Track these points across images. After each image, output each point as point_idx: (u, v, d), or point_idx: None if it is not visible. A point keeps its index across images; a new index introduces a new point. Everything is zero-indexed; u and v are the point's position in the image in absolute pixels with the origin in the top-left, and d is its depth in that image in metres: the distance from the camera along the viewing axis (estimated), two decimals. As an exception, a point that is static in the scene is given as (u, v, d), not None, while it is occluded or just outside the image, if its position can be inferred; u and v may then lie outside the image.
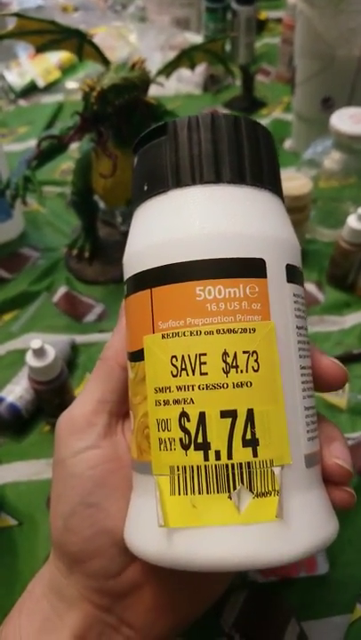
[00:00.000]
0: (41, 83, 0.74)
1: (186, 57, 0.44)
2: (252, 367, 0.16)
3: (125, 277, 0.19)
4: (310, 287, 0.48)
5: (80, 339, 0.44)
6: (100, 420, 0.21)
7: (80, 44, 0.41)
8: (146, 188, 0.19)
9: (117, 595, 0.20)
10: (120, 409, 0.22)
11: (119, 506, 0.20)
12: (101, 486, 0.20)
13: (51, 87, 0.74)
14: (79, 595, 0.20)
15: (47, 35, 0.41)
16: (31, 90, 0.74)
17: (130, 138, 0.41)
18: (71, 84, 0.74)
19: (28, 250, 0.52)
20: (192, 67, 0.46)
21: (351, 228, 0.43)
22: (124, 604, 0.20)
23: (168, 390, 0.16)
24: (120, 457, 0.21)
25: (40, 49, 0.42)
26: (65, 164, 0.61)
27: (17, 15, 0.40)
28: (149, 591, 0.21)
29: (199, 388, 0.16)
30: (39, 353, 0.34)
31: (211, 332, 0.16)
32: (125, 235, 0.52)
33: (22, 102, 0.73)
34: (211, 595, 0.22)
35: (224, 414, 0.16)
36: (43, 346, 0.34)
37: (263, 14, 0.86)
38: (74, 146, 0.58)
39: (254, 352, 0.16)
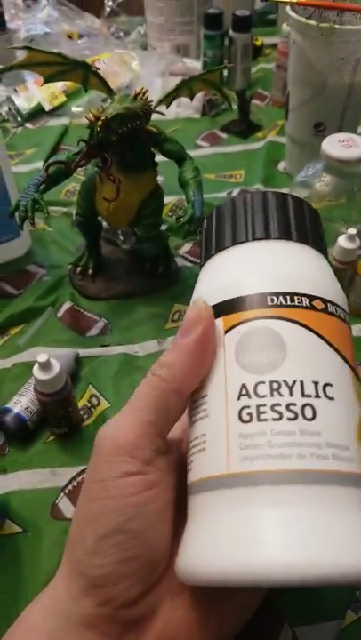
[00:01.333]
0: (47, 106, 0.77)
1: (185, 87, 0.47)
2: None
3: (294, 291, 0.20)
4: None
5: (83, 352, 0.46)
6: (149, 444, 0.19)
7: (86, 74, 0.44)
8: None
9: (130, 623, 0.19)
10: (169, 434, 0.21)
11: (155, 533, 0.19)
12: (142, 514, 0.19)
13: (56, 110, 0.77)
14: (87, 622, 0.19)
15: (55, 66, 0.44)
16: (38, 113, 0.77)
17: (132, 163, 0.44)
18: (76, 107, 0.77)
19: (34, 267, 0.54)
20: (191, 96, 0.48)
21: (341, 247, 0.46)
22: (135, 632, 0.19)
23: None
24: (162, 482, 0.20)
25: (48, 79, 0.45)
26: (70, 185, 0.63)
27: (27, 48, 0.42)
28: (161, 619, 0.19)
29: None
30: (45, 366, 0.36)
31: None
32: (128, 253, 0.54)
33: (29, 125, 0.76)
34: (225, 628, 0.20)
35: None
36: (49, 359, 0.36)
37: (259, 40, 0.90)
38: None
39: None
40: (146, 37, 0.89)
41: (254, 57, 0.87)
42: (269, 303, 0.19)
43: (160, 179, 0.61)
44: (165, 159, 0.47)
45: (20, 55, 0.47)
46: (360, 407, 0.19)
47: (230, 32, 0.77)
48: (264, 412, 0.18)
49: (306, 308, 0.19)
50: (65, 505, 0.37)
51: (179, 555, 0.19)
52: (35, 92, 0.77)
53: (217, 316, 0.21)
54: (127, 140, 0.41)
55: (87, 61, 0.44)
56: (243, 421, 0.18)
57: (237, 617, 0.21)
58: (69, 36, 0.86)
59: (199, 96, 0.77)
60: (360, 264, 0.47)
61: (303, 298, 0.19)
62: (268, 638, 0.30)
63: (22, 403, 0.40)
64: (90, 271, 0.52)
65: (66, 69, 0.44)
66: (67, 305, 0.50)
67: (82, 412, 0.42)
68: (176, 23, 0.84)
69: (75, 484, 0.38)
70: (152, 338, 0.48)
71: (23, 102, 0.76)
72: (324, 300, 0.20)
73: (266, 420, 0.17)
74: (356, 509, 0.17)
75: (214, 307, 0.21)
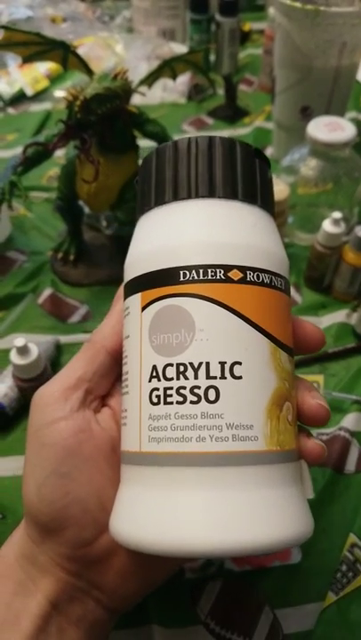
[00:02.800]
0: (29, 91, 0.75)
1: (167, 67, 0.46)
2: None
3: (207, 263, 0.19)
4: (289, 289, 0.50)
5: (64, 339, 0.45)
6: (75, 394, 0.21)
7: (65, 54, 0.43)
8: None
9: (89, 562, 0.21)
10: (98, 390, 0.22)
11: (90, 475, 0.21)
12: (73, 456, 0.20)
13: (39, 96, 0.76)
14: (51, 561, 0.21)
15: (33, 46, 0.43)
16: (20, 98, 0.76)
17: (112, 145, 0.43)
18: (59, 92, 0.76)
19: (14, 253, 0.53)
20: (173, 77, 0.47)
21: (326, 231, 0.45)
22: (95, 570, 0.21)
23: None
24: (91, 429, 0.21)
25: (27, 59, 0.44)
26: (52, 171, 0.62)
27: (4, 27, 0.41)
28: (119, 558, 0.21)
29: None
30: (22, 351, 0.35)
31: None
32: (111, 238, 0.53)
33: (11, 110, 0.74)
34: (177, 561, 0.24)
35: None
36: (26, 344, 0.35)
37: (247, 26, 0.88)
38: (60, 153, 0.60)
39: None
40: (131, 22, 0.88)
41: (242, 42, 0.86)
42: (181, 279, 0.19)
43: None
44: (149, 144, 0.46)
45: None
46: (277, 378, 0.19)
47: (217, 16, 0.76)
48: (170, 396, 0.18)
49: (220, 281, 0.18)
50: (44, 492, 0.36)
51: (111, 514, 0.20)
52: (17, 76, 0.76)
53: (137, 290, 0.20)
54: (107, 120, 0.40)
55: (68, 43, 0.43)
56: (152, 403, 0.19)
57: (167, 565, 0.23)
58: (53, 20, 0.84)
59: (185, 81, 0.75)
60: (345, 249, 0.46)
61: (218, 270, 0.18)
62: (249, 621, 0.30)
63: (1, 390, 0.40)
64: (71, 257, 0.51)
65: (44, 49, 0.43)
66: (48, 291, 0.49)
67: (62, 399, 0.41)
68: (162, 7, 0.82)
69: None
70: (135, 324, 0.47)
71: (5, 87, 0.74)
72: (243, 269, 0.19)
73: (171, 403, 0.18)
74: (253, 486, 0.18)
75: (136, 279, 0.20)
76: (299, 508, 0.19)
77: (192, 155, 0.20)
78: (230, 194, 0.20)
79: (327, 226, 0.45)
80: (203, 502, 0.17)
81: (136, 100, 0.45)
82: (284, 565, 0.32)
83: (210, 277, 0.18)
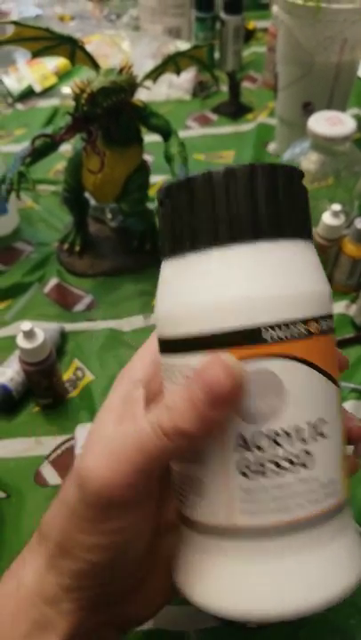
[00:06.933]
0: (38, 88, 0.77)
1: (171, 62, 0.47)
2: None
3: (289, 317, 0.17)
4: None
5: (69, 327, 0.46)
6: (144, 487, 0.19)
7: (73, 49, 0.44)
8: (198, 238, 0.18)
9: (115, 599, 0.21)
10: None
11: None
12: (122, 553, 0.20)
13: (47, 92, 0.77)
14: (76, 604, 0.20)
15: (42, 41, 0.44)
16: (28, 94, 0.77)
17: (118, 137, 0.44)
18: (66, 89, 0.77)
19: (21, 244, 0.55)
20: (178, 72, 0.49)
21: (326, 224, 0.46)
22: (118, 605, 0.22)
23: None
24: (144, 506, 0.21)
25: (36, 54, 0.45)
26: (59, 165, 0.63)
27: (14, 23, 0.42)
28: (148, 591, 0.22)
29: None
30: (29, 335, 0.37)
31: None
32: (115, 231, 0.55)
33: (20, 106, 0.76)
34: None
35: None
36: (32, 328, 0.37)
37: (251, 24, 0.89)
38: (68, 147, 0.61)
39: None
40: (138, 20, 0.89)
41: (246, 40, 0.87)
42: (267, 339, 0.17)
43: (149, 158, 0.61)
44: (155, 139, 0.47)
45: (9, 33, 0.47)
46: (342, 421, 0.19)
47: (222, 14, 0.77)
48: (263, 465, 0.17)
49: (302, 337, 0.17)
50: (49, 472, 0.37)
51: (177, 575, 0.20)
52: (25, 73, 0.77)
53: (201, 347, 0.17)
54: (112, 113, 0.42)
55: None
56: (243, 475, 0.17)
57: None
58: (61, 19, 0.85)
59: (190, 78, 0.77)
60: (345, 241, 0.47)
61: (299, 325, 0.17)
62: None
63: (7, 374, 0.41)
64: (77, 248, 0.52)
65: (53, 44, 0.44)
66: (53, 281, 0.51)
67: (67, 385, 0.42)
68: (168, 5, 0.83)
69: (59, 452, 0.38)
70: (138, 313, 0.48)
71: (14, 83, 0.76)
72: (318, 319, 0.18)
73: (265, 474, 0.17)
74: (337, 539, 0.18)
75: (196, 339, 0.18)
76: None
77: (239, 189, 0.17)
78: (291, 232, 0.18)
79: (327, 218, 0.46)
80: (316, 564, 0.17)
81: (142, 96, 0.46)
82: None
83: (294, 334, 0.17)
